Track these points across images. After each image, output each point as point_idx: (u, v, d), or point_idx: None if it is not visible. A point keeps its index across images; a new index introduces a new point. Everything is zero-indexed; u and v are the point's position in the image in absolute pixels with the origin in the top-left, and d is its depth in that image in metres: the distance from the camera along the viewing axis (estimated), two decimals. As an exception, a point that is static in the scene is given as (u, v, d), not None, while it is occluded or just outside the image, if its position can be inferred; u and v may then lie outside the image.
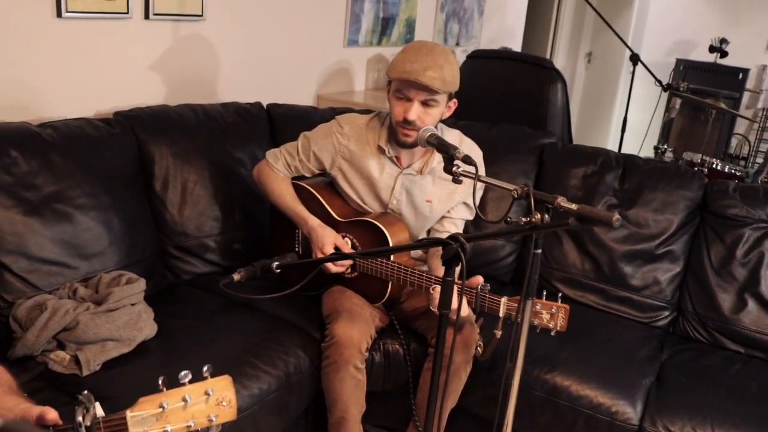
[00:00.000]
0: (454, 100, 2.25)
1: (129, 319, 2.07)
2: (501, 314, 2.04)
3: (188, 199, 2.62)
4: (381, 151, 2.34)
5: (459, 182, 1.88)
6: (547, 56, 6.43)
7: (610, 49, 6.69)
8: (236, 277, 1.93)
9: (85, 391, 1.23)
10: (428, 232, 2.47)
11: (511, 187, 1.69)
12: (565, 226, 1.58)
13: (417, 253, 2.47)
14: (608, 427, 2.16)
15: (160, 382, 1.26)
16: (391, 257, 2.22)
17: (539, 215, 1.61)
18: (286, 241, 2.54)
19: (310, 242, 2.37)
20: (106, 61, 2.69)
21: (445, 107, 2.22)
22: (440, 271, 2.13)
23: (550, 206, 1.61)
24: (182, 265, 2.62)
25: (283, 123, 3.01)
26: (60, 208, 2.24)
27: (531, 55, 4.19)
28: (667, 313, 2.72)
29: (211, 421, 1.32)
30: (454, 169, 1.88)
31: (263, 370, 2.09)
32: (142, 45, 2.81)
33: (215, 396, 1.31)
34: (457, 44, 4.93)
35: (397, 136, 2.23)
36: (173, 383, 1.28)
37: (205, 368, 1.32)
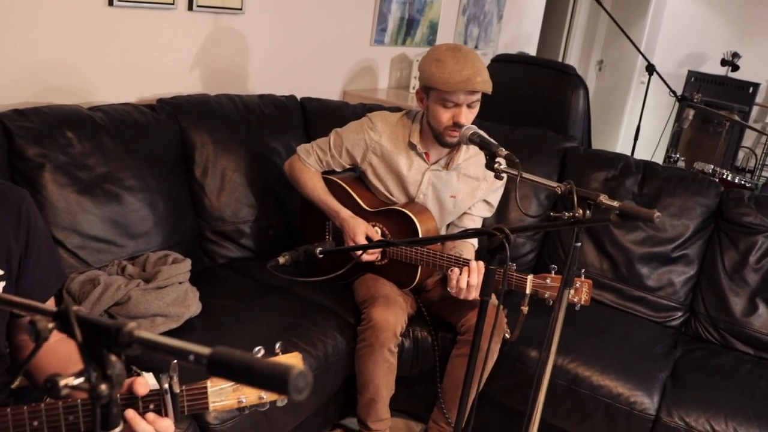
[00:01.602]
0: None
1: (177, 297, 2.17)
2: (528, 291, 2.16)
3: (226, 186, 2.72)
4: (411, 147, 2.44)
5: (501, 178, 1.98)
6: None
7: (622, 57, 6.81)
8: (281, 260, 2.02)
9: (174, 361, 1.30)
10: (447, 226, 2.58)
11: (554, 184, 1.80)
12: (606, 221, 1.69)
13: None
14: (627, 416, 2.27)
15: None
16: (419, 244, 2.33)
17: (581, 211, 1.72)
18: (317, 232, 2.64)
19: (343, 233, 2.47)
20: (151, 50, 2.79)
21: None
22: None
23: (592, 203, 1.72)
24: (218, 249, 2.72)
25: (316, 116, 3.12)
26: (110, 188, 2.34)
27: (554, 60, 4.31)
28: (680, 313, 2.83)
29: (261, 399, 1.40)
30: (495, 165, 1.97)
31: (304, 349, 2.19)
32: (184, 35, 2.91)
33: (270, 376, 1.41)
34: (476, 47, 5.03)
35: (442, 139, 2.33)
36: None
37: (277, 345, 1.41)
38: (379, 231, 2.46)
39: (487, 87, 2.24)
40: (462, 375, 2.32)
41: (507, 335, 2.35)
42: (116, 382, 0.73)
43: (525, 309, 2.10)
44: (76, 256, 2.23)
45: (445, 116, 2.27)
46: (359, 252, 2.39)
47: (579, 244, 1.79)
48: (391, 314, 2.27)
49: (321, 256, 2.04)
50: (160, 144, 2.55)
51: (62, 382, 0.72)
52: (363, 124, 2.51)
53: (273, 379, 0.57)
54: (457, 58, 2.24)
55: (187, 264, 2.29)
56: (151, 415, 1.28)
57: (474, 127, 2.19)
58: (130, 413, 1.28)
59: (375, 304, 2.29)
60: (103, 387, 0.70)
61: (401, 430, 2.71)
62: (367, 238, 2.41)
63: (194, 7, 2.88)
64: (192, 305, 2.20)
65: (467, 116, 2.26)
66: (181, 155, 2.65)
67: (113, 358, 0.73)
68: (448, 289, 2.22)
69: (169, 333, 2.11)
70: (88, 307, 2.08)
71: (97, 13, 2.56)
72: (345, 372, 2.37)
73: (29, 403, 1.28)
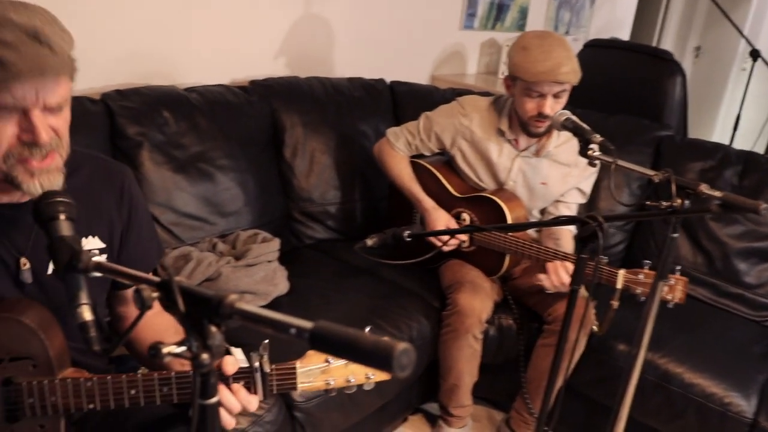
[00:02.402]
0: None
1: (265, 275, 2.21)
2: (619, 286, 2.09)
3: (314, 168, 2.74)
4: (500, 133, 2.41)
5: (594, 165, 1.93)
6: (654, 49, 6.31)
7: (721, 43, 6.50)
8: (369, 242, 2.03)
9: (266, 341, 1.33)
10: (542, 214, 2.53)
11: (651, 172, 1.74)
12: (707, 211, 1.62)
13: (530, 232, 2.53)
14: (720, 418, 2.17)
15: None
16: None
17: (680, 200, 1.66)
18: (405, 214, 2.63)
19: (424, 223, 2.45)
20: (244, 33, 2.84)
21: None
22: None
23: (691, 192, 1.65)
24: (305, 230, 2.76)
25: (405, 100, 3.11)
26: (203, 167, 2.40)
27: (650, 46, 4.16)
28: (781, 313, 2.69)
29: (368, 378, 1.41)
30: (589, 152, 1.92)
31: (390, 332, 2.20)
32: (276, 18, 2.95)
33: (377, 356, 1.41)
34: (567, 33, 4.90)
35: (527, 128, 2.30)
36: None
37: (367, 329, 1.41)
38: (467, 218, 2.43)
39: (573, 78, 2.18)
40: (547, 365, 2.28)
41: (595, 328, 2.29)
42: (216, 352, 0.74)
43: (615, 304, 2.04)
44: (170, 232, 2.30)
45: (529, 106, 2.23)
46: (445, 239, 2.38)
47: (676, 235, 1.73)
48: (477, 300, 2.25)
49: (409, 239, 2.04)
50: (251, 125, 2.59)
51: (165, 350, 0.74)
52: (453, 108, 2.48)
53: (377, 355, 0.57)
54: (543, 47, 2.19)
55: (276, 243, 2.33)
56: (236, 386, 1.30)
57: (567, 112, 2.13)
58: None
59: (461, 290, 2.27)
60: (205, 356, 0.72)
61: (482, 417, 2.69)
62: (461, 221, 2.40)
63: (287, -10, 2.91)
64: (280, 284, 2.24)
65: (552, 107, 2.20)
66: (272, 136, 2.69)
67: (213, 329, 0.75)
68: (543, 284, 2.17)
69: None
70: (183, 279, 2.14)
71: (191, -4, 2.62)
72: (429, 357, 2.37)
73: (127, 372, 1.33)
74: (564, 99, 2.24)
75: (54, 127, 1.19)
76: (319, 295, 2.29)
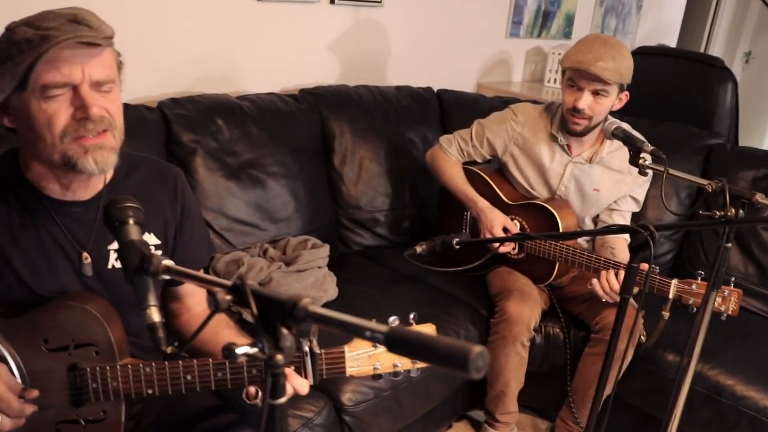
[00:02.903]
0: (626, 92, 2.30)
1: (315, 281, 2.25)
2: (671, 296, 2.08)
3: (363, 175, 2.78)
4: (553, 138, 2.41)
5: (645, 174, 1.92)
6: (702, 55, 6.22)
7: (773, 49, 6.40)
8: (418, 249, 2.05)
9: (314, 326, 1.36)
10: (595, 222, 2.52)
11: (704, 181, 1.73)
12: (763, 221, 1.61)
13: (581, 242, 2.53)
14: (773, 431, 2.15)
15: (373, 321, 1.39)
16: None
17: (733, 210, 1.65)
18: (454, 222, 2.65)
19: (479, 223, 2.47)
20: (294, 41, 2.89)
21: (615, 98, 2.26)
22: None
23: (746, 201, 1.64)
24: (353, 237, 2.79)
25: (452, 108, 3.13)
26: (255, 174, 2.45)
27: (700, 53, 4.11)
28: (836, 327, 2.64)
29: (414, 363, 1.44)
30: (640, 161, 1.92)
31: (437, 339, 2.21)
32: (325, 28, 3.00)
33: (420, 341, 1.43)
34: (614, 39, 4.87)
35: (567, 125, 2.31)
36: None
37: (411, 315, 1.43)
38: (518, 224, 2.44)
39: (609, 75, 2.17)
40: (594, 374, 2.28)
41: (643, 338, 2.28)
42: (287, 354, 0.77)
43: (666, 314, 2.03)
44: (222, 237, 2.36)
45: (568, 98, 2.27)
46: (496, 244, 2.39)
47: (729, 245, 1.71)
48: (526, 308, 2.25)
49: (458, 247, 2.06)
50: (302, 132, 2.64)
51: (239, 351, 0.77)
52: (505, 115, 2.50)
53: (453, 357, 0.59)
54: (590, 41, 2.25)
55: (325, 249, 2.37)
56: (288, 370, 1.34)
57: (618, 121, 2.13)
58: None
59: (510, 297, 2.28)
60: (279, 357, 0.75)
61: (527, 426, 2.69)
62: (505, 230, 2.41)
63: (336, 0, 2.95)
64: (329, 289, 2.28)
65: (589, 103, 2.22)
66: (321, 144, 2.73)
67: (285, 331, 0.78)
68: (595, 288, 2.17)
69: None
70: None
71: (245, 7, 2.68)
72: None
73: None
74: (606, 101, 2.24)
75: (105, 107, 1.27)
76: (367, 301, 2.32)
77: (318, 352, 1.36)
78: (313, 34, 2.96)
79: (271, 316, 0.78)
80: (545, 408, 2.70)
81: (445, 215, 2.71)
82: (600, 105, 2.25)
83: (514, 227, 2.42)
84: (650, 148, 1.90)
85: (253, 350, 0.78)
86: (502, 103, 3.16)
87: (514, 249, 2.44)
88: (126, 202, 1.16)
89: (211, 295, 0.82)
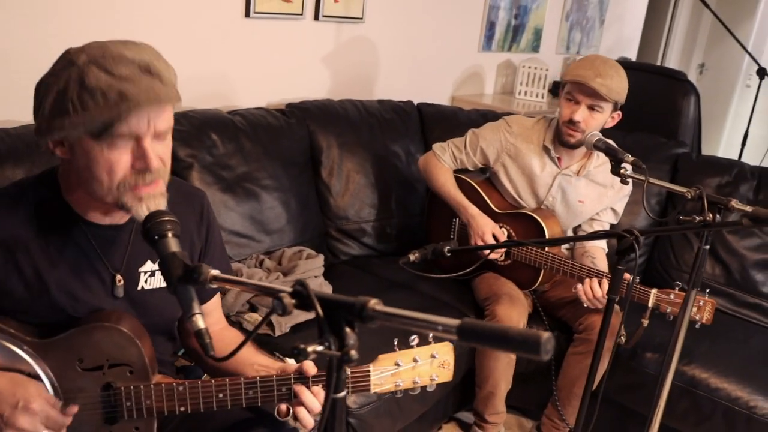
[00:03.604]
0: (619, 112, 2.44)
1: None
2: (650, 304, 2.21)
3: (350, 187, 2.87)
4: (545, 150, 2.54)
5: (626, 183, 2.06)
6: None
7: (725, 60, 6.67)
8: (412, 257, 2.15)
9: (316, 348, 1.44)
10: (574, 231, 2.66)
11: (683, 189, 1.87)
12: (738, 225, 1.74)
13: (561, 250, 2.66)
14: (746, 420, 2.29)
15: (395, 342, 1.48)
16: (546, 248, 2.42)
17: (711, 215, 1.79)
18: (442, 229, 2.76)
19: (469, 229, 2.58)
20: (280, 57, 2.98)
21: (609, 116, 2.40)
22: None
23: (722, 207, 1.78)
24: (341, 247, 2.88)
25: (432, 121, 3.24)
26: (249, 187, 2.53)
27: (665, 67, 4.31)
28: (798, 322, 2.81)
29: (432, 380, 1.54)
30: (621, 171, 2.05)
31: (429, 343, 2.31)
32: (310, 43, 3.10)
33: (439, 359, 1.53)
34: (578, 52, 5.06)
35: (561, 136, 2.43)
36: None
37: (430, 335, 1.53)
38: (506, 232, 2.56)
39: (606, 91, 2.31)
40: (578, 372, 2.42)
41: (622, 338, 2.40)
42: (347, 351, 0.86)
43: (645, 322, 2.15)
44: (220, 249, 2.42)
45: (565, 110, 2.40)
46: (487, 251, 2.51)
47: (707, 247, 1.85)
48: (515, 311, 2.37)
49: (449, 254, 2.17)
50: (291, 146, 2.72)
51: (310, 349, 0.86)
52: (500, 125, 2.62)
53: (526, 342, 0.69)
54: (591, 59, 2.40)
55: (320, 259, 2.45)
56: (316, 388, 1.42)
57: (599, 134, 2.27)
58: (298, 386, 1.43)
59: (499, 302, 2.40)
60: (353, 352, 0.84)
61: (513, 425, 2.80)
62: (494, 237, 2.52)
63: (320, 17, 3.05)
64: (326, 298, 2.35)
65: (584, 117, 2.35)
66: (310, 157, 2.82)
67: (349, 330, 0.87)
68: (579, 293, 2.29)
69: (307, 322, 2.26)
70: (232, 296, 2.26)
71: (234, 24, 2.76)
72: (465, 366, 2.49)
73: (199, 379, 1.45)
74: (600, 117, 2.38)
75: (161, 156, 1.31)
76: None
77: (347, 372, 1.45)
78: (298, 49, 3.05)
79: (336, 316, 0.87)
80: (530, 407, 2.82)
81: (434, 222, 2.82)
82: (594, 120, 2.38)
83: (503, 235, 2.54)
84: (631, 158, 2.04)
85: (321, 348, 0.86)
86: (479, 116, 3.29)
87: (501, 256, 2.56)
88: (164, 216, 1.22)
89: (278, 299, 0.90)
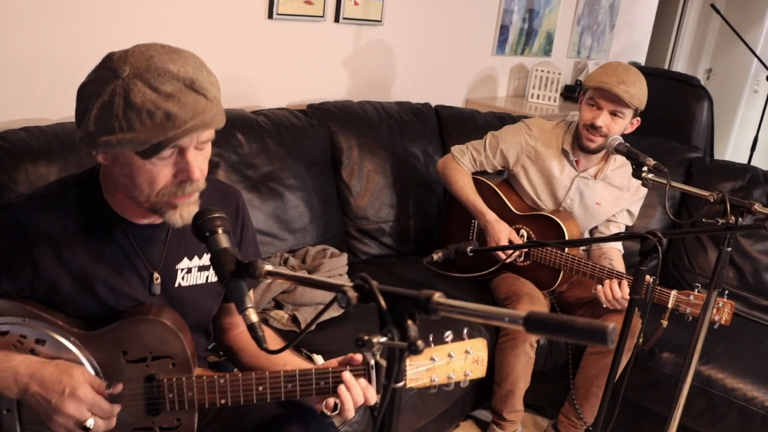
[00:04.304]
0: (638, 118, 2.49)
1: (337, 287, 2.37)
2: (670, 305, 2.25)
3: (369, 188, 2.92)
4: (564, 153, 2.59)
5: (648, 186, 2.10)
6: (667, 71, 6.50)
7: (733, 65, 6.72)
8: (435, 257, 2.19)
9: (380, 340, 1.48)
10: (591, 233, 2.70)
11: (705, 193, 1.92)
12: (761, 228, 1.79)
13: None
14: (762, 420, 2.33)
15: (430, 338, 1.52)
16: (566, 249, 2.46)
17: (733, 218, 1.83)
18: (461, 231, 2.81)
19: (486, 234, 2.62)
20: (301, 58, 3.03)
21: (629, 122, 2.44)
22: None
23: (745, 210, 1.82)
24: (361, 246, 2.92)
25: (450, 123, 3.29)
26: (274, 186, 2.57)
27: (678, 72, 4.35)
28: (811, 325, 2.86)
29: (467, 375, 1.57)
30: (643, 174, 2.09)
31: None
32: (330, 45, 3.14)
33: (473, 355, 1.57)
34: (588, 57, 5.11)
35: (581, 140, 2.48)
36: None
37: (465, 330, 1.57)
38: (525, 234, 2.60)
39: (629, 98, 2.36)
40: (595, 372, 2.46)
41: (640, 340, 2.45)
42: (414, 341, 0.90)
43: (664, 322, 2.20)
44: (245, 248, 2.46)
45: (587, 115, 2.44)
46: (504, 255, 2.55)
47: (729, 249, 1.89)
48: (536, 310, 2.41)
49: (471, 254, 2.21)
50: (313, 146, 2.77)
51: (374, 340, 0.90)
52: (519, 128, 2.67)
53: (593, 332, 0.73)
54: (613, 66, 2.44)
55: (344, 258, 2.50)
56: (363, 381, 1.46)
57: (620, 138, 2.31)
58: (347, 375, 1.47)
59: (520, 301, 2.44)
60: (421, 342, 0.88)
61: (529, 423, 2.84)
62: (510, 242, 2.56)
63: (340, 19, 3.10)
64: (350, 296, 2.40)
65: (606, 122, 2.40)
66: (331, 157, 2.86)
67: (410, 322, 0.91)
68: (598, 294, 2.33)
69: (332, 320, 2.31)
70: (258, 294, 2.30)
71: (258, 26, 2.81)
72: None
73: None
74: (621, 122, 2.43)
75: (201, 167, 1.34)
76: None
77: (383, 365, 1.48)
78: (318, 50, 3.09)
79: (399, 309, 0.91)
80: (546, 406, 2.86)
81: (452, 224, 2.87)
82: (616, 125, 2.43)
83: (519, 240, 2.59)
84: (652, 162, 2.08)
85: (384, 339, 0.91)
86: (496, 118, 3.34)
87: (520, 257, 2.60)
88: (214, 213, 1.26)
89: (342, 293, 0.95)
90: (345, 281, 1.02)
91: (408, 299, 0.90)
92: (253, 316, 1.18)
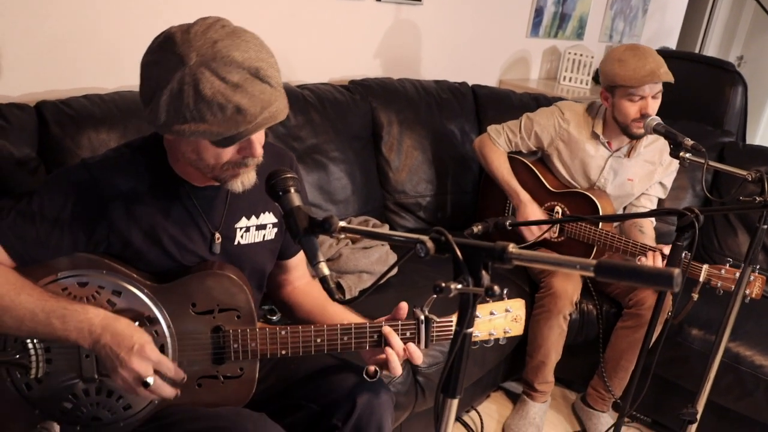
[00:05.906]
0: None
1: (380, 257, 2.46)
2: (701, 279, 2.31)
3: (408, 162, 3.00)
4: (595, 136, 2.65)
5: (686, 166, 2.16)
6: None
7: (764, 54, 6.70)
8: (475, 229, 2.27)
9: (433, 296, 1.57)
10: (624, 208, 2.77)
11: (743, 172, 1.98)
12: (799, 206, 1.85)
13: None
14: (788, 396, 2.41)
15: (505, 290, 1.58)
16: (600, 225, 2.53)
17: (771, 197, 1.89)
18: (497, 207, 2.88)
19: (517, 213, 2.70)
20: (343, 35, 3.10)
21: None
22: (641, 240, 2.44)
23: (782, 189, 1.88)
24: (398, 220, 3.00)
25: (486, 102, 3.35)
26: (318, 158, 2.66)
27: (714, 57, 4.37)
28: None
29: (506, 332, 1.66)
30: (681, 154, 2.15)
31: (491, 310, 2.44)
32: (371, 23, 3.21)
33: (513, 313, 1.66)
34: (620, 41, 5.13)
35: (629, 131, 2.52)
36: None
37: (505, 290, 1.65)
38: (560, 211, 2.68)
39: (670, 76, 2.41)
40: (626, 346, 2.54)
41: (670, 314, 2.52)
42: (487, 290, 0.98)
43: (695, 296, 2.26)
44: (290, 216, 2.56)
45: (632, 110, 2.47)
46: (536, 232, 2.64)
47: (766, 226, 1.95)
48: (570, 284, 2.49)
49: (510, 228, 2.29)
50: (355, 121, 2.85)
51: (452, 286, 0.99)
52: (553, 112, 2.73)
53: (660, 276, 0.81)
54: (638, 56, 2.44)
55: (386, 229, 2.58)
56: (411, 345, 1.55)
57: (658, 118, 2.37)
58: (387, 328, 1.56)
59: (555, 275, 2.52)
60: (497, 288, 0.96)
61: (558, 396, 2.93)
62: (554, 213, 2.64)
63: (381, -3, 3.17)
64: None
65: (653, 106, 2.44)
66: (372, 132, 2.94)
67: (484, 273, 0.99)
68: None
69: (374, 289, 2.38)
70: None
71: (303, 2, 2.87)
72: (518, 337, 2.61)
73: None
74: (659, 99, 2.48)
75: (261, 142, 1.43)
76: (424, 277, 2.52)
77: (432, 319, 1.57)
78: (360, 28, 3.16)
79: (474, 260, 0.99)
80: (575, 379, 2.94)
81: (488, 201, 2.94)
82: (658, 103, 2.49)
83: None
84: (690, 142, 2.13)
85: (460, 286, 0.99)
86: (531, 99, 3.39)
87: (555, 233, 2.68)
88: (286, 173, 1.34)
89: (421, 243, 1.03)
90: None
91: (483, 250, 0.98)
92: (326, 269, 1.27)
